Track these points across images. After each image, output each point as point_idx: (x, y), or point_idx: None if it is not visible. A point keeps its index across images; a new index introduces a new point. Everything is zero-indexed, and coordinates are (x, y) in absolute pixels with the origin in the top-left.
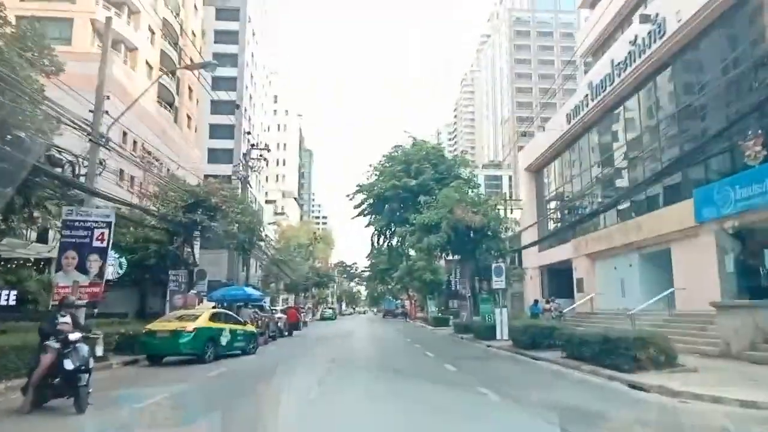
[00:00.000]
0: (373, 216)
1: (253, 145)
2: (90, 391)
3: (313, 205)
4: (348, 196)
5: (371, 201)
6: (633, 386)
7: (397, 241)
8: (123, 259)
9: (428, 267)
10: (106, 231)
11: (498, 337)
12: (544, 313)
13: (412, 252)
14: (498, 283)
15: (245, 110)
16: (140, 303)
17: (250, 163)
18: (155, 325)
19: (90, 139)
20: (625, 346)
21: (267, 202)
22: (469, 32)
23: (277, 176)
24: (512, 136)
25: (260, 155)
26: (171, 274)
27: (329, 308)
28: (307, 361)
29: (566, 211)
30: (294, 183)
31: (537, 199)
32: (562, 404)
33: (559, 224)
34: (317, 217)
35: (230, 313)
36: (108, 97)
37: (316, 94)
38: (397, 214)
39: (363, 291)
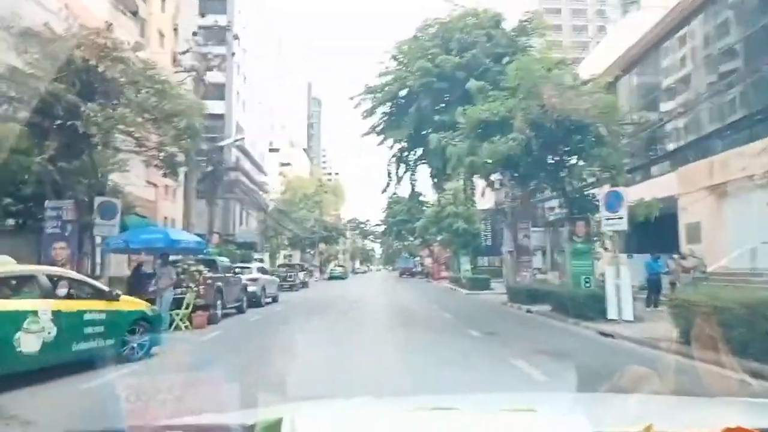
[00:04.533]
0: (391, 131)
1: (202, 16)
2: None
3: (324, 160)
4: (352, 98)
5: (388, 108)
6: None
7: (437, 147)
8: None
9: (464, 213)
10: None
11: (612, 316)
12: (679, 273)
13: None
14: (613, 222)
15: (238, 40)
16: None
17: (206, 53)
18: None
19: None
20: None
21: (271, 150)
22: None
23: (283, 125)
24: None
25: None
26: (48, 208)
27: (339, 266)
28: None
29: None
30: (302, 133)
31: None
32: None
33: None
34: (329, 173)
35: (63, 271)
36: None
37: (324, 41)
38: (429, 119)
39: (378, 249)
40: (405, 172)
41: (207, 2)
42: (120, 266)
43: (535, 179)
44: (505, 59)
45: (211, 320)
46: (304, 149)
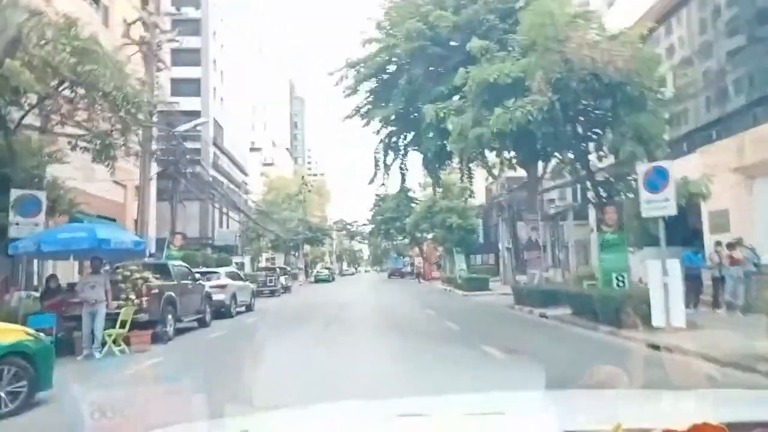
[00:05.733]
0: (377, 110)
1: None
2: None
3: (309, 161)
4: (331, 74)
5: (374, 83)
6: None
7: (433, 122)
8: None
9: (458, 207)
10: None
11: (659, 323)
12: (728, 267)
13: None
14: (656, 205)
15: (214, 33)
16: None
17: (158, 23)
18: None
19: None
20: None
21: (252, 149)
22: None
23: (264, 124)
24: None
25: (177, 9)
26: None
27: (325, 268)
28: None
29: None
30: (285, 133)
31: None
32: None
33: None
34: (314, 175)
35: None
36: None
37: (306, 36)
38: (422, 93)
39: (365, 250)
40: (394, 160)
41: None
42: (68, 273)
43: (555, 154)
44: (519, 4)
45: (158, 339)
46: (287, 149)
